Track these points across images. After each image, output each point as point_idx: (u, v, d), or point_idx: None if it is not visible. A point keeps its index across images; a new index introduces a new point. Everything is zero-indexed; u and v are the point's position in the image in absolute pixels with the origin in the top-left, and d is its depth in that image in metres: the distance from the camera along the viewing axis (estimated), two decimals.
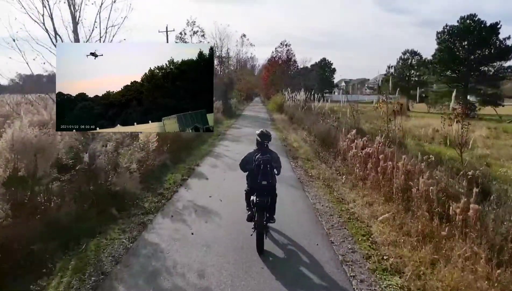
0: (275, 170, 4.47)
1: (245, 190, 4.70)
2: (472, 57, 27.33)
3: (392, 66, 38.05)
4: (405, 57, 37.66)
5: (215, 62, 27.89)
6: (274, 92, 43.24)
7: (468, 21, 27.27)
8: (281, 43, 44.48)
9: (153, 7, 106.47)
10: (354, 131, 8.28)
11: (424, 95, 31.27)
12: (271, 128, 17.80)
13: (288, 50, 43.98)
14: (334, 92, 75.43)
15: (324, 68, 63.27)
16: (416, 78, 35.58)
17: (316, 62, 63.22)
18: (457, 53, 27.65)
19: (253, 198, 4.27)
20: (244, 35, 47.33)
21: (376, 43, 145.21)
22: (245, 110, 36.67)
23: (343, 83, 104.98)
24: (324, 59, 63.54)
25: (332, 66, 64.56)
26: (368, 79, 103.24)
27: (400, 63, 37.80)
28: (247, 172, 4.61)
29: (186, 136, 12.33)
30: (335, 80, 76.54)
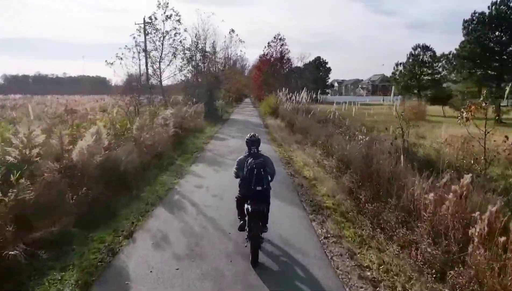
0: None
1: (236, 197, 4.34)
2: (507, 50, 23.19)
3: (400, 64, 33.57)
4: (416, 53, 33.10)
5: (198, 56, 23.14)
6: (266, 93, 38.88)
7: (501, 7, 23.06)
8: (274, 37, 39.89)
9: (145, 9, 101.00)
10: (469, 176, 3.71)
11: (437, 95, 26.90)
12: (266, 140, 13.30)
13: (282, 44, 39.54)
14: (328, 93, 71.40)
15: (319, 68, 59.18)
16: (429, 77, 31.24)
17: (310, 61, 59.14)
18: (488, 45, 23.43)
19: (247, 206, 3.97)
20: (233, 31, 42.91)
21: (368, 45, 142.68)
22: (233, 113, 32.04)
23: (336, 84, 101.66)
24: (318, 58, 59.42)
25: (327, 66, 60.56)
26: (362, 80, 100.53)
27: (410, 60, 33.49)
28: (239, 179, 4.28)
29: (141, 159, 7.72)
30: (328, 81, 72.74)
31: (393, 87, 22.13)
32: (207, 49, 26.38)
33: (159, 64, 18.09)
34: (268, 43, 39.51)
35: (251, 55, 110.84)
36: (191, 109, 17.34)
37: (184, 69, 21.54)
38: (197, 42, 22.83)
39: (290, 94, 21.28)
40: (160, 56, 17.99)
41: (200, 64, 23.55)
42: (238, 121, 23.50)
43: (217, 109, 25.64)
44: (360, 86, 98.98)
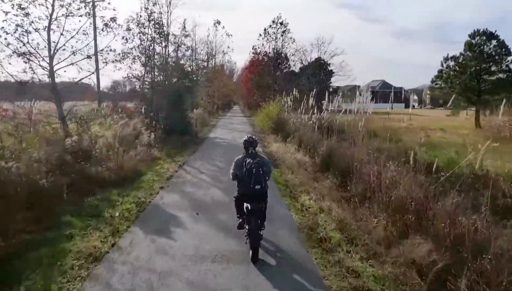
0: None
1: (234, 196, 4.49)
2: None
3: (451, 58, 23.51)
4: (476, 41, 22.62)
5: (151, 33, 13.64)
6: (257, 98, 29.82)
7: None
8: (273, 21, 30.85)
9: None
10: None
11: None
12: (289, 237, 3.89)
13: (284, 32, 30.63)
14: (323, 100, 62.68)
15: (319, 70, 50.38)
16: (499, 75, 21.67)
17: (308, 63, 50.45)
18: None
19: (246, 205, 4.10)
20: (219, 22, 33.71)
21: (358, 52, 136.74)
22: (216, 127, 22.61)
23: (331, 90, 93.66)
24: (319, 59, 50.67)
25: (329, 68, 51.82)
26: (359, 86, 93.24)
27: (466, 53, 22.97)
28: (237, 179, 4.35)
29: None
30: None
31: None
32: (174, 30, 16.94)
33: (48, 35, 8.33)
34: (265, 29, 30.14)
35: (238, 61, 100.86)
36: (112, 131, 7.80)
37: (128, 56, 12.05)
38: (151, 11, 13.33)
39: (313, 100, 12.04)
40: (50, 19, 8.23)
41: (159, 48, 14.05)
42: (221, 146, 14.04)
43: (188, 124, 16.09)
44: (358, 92, 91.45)
